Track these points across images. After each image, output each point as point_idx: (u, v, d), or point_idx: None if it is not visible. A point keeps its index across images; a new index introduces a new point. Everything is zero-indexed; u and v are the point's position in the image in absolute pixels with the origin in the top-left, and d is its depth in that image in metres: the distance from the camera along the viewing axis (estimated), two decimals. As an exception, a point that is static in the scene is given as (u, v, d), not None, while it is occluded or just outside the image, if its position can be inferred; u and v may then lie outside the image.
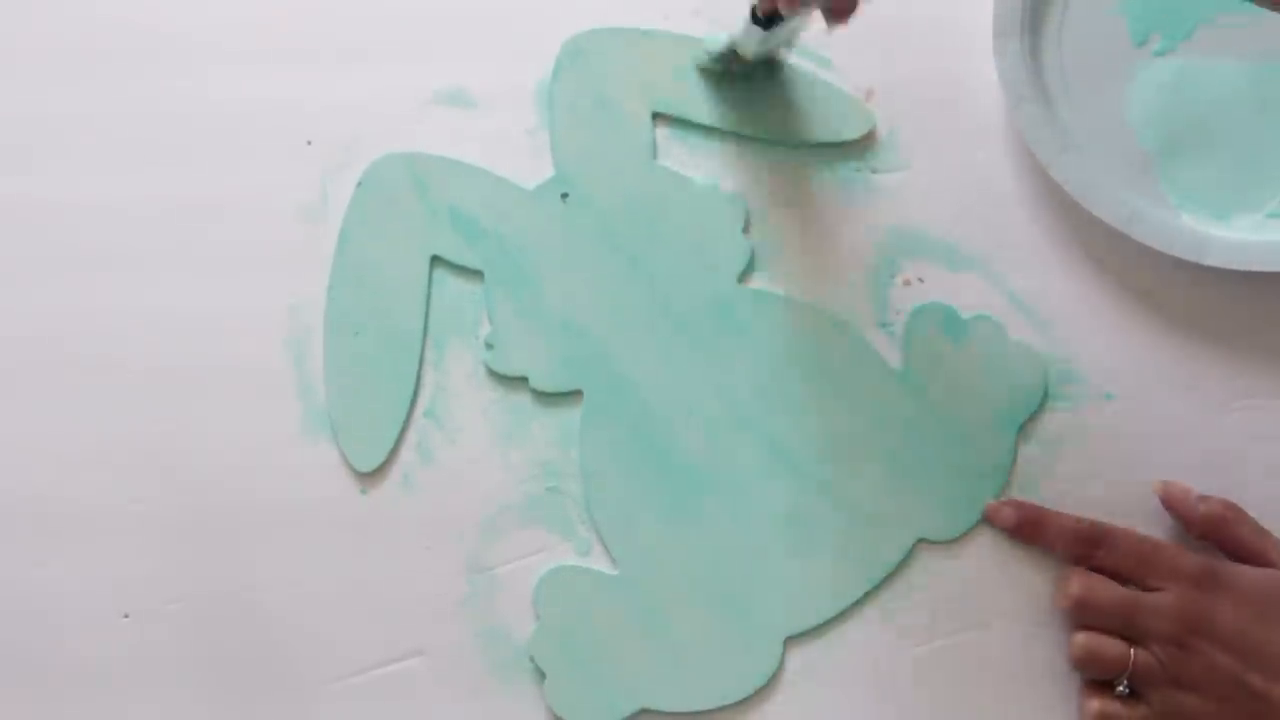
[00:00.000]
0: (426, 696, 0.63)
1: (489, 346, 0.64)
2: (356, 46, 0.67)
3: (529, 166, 0.65)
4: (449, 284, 0.65)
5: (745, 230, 0.64)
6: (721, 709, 0.61)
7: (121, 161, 0.67)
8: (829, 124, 0.64)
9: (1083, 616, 0.59)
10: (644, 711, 0.61)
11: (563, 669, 0.61)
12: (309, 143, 0.66)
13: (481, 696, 0.62)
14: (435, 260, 0.65)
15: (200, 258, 0.66)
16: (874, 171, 0.64)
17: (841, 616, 0.62)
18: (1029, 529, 0.60)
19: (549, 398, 0.64)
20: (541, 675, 0.62)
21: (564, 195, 0.65)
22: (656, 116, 0.65)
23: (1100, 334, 0.62)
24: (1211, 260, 0.60)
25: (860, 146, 0.64)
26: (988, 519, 0.61)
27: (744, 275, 0.64)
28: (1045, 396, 0.62)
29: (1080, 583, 0.59)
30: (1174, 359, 0.62)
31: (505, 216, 0.65)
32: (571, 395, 0.64)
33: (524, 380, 0.64)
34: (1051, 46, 0.63)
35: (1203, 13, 0.63)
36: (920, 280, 0.63)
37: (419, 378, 0.65)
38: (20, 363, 0.66)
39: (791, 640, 0.62)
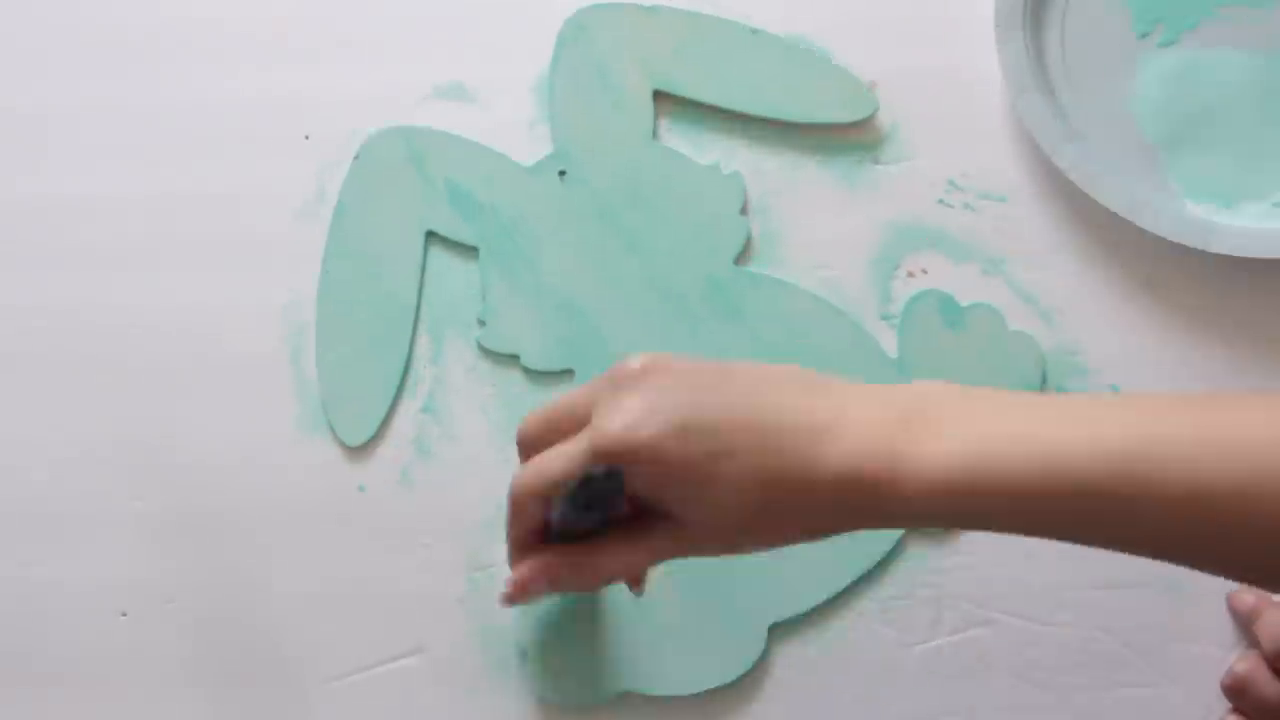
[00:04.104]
0: (426, 694, 0.62)
1: (481, 323, 0.64)
2: (355, 40, 0.67)
3: (529, 159, 0.65)
4: (447, 277, 0.65)
5: (743, 211, 0.64)
6: (705, 694, 0.61)
7: (118, 157, 0.67)
8: (832, 105, 0.64)
9: (1239, 701, 0.58)
10: (627, 694, 0.61)
11: (545, 652, 0.61)
12: (307, 137, 0.66)
13: (481, 694, 0.62)
14: (431, 237, 0.65)
15: (197, 253, 0.66)
16: (876, 162, 0.64)
17: (842, 614, 0.61)
18: (1251, 617, 0.59)
19: (546, 388, 0.63)
20: (524, 655, 0.61)
21: (562, 173, 0.64)
22: (657, 95, 0.65)
23: (1106, 324, 0.62)
24: (1218, 248, 0.60)
25: (863, 137, 0.64)
26: (1230, 604, 0.60)
27: (740, 256, 0.63)
28: (1043, 387, 0.62)
29: (1249, 666, 0.58)
30: (1181, 349, 0.61)
31: (502, 192, 0.65)
32: (566, 380, 0.63)
33: (520, 369, 0.63)
34: (1054, 37, 0.63)
35: (1205, 4, 0.62)
36: (924, 272, 0.63)
37: (410, 353, 0.64)
38: (16, 360, 0.66)
39: (790, 637, 0.61)
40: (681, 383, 0.47)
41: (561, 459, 0.49)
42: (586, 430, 0.48)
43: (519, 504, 0.50)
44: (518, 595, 0.51)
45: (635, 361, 0.48)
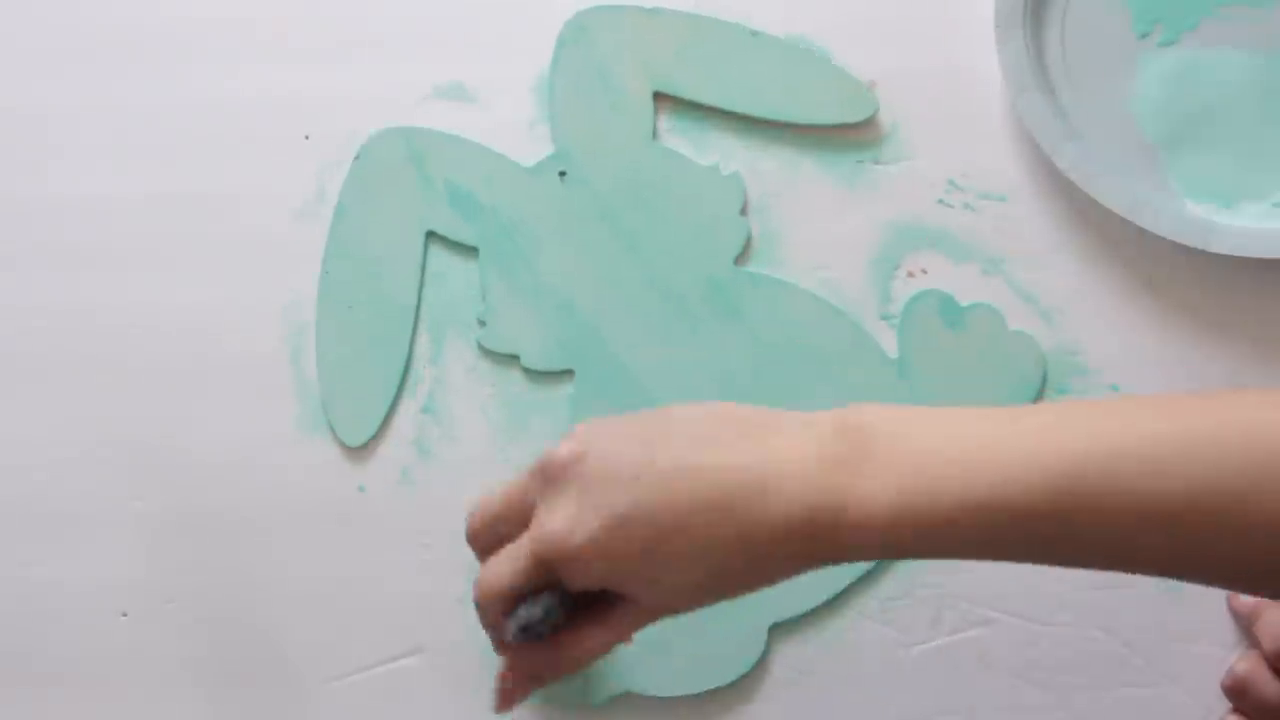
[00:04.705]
0: (425, 694, 0.62)
1: (481, 323, 0.64)
2: (355, 41, 0.67)
3: (529, 160, 0.65)
4: (447, 277, 0.65)
5: (743, 211, 0.64)
6: (705, 694, 0.61)
7: (118, 158, 0.67)
8: (832, 105, 0.64)
9: (1239, 701, 0.58)
10: (627, 694, 0.61)
11: None
12: (307, 137, 0.66)
13: (480, 694, 0.62)
14: (431, 237, 0.65)
15: (197, 253, 0.66)
16: (876, 162, 0.64)
17: (842, 614, 0.61)
18: (1252, 617, 0.59)
19: (546, 388, 0.63)
20: None
21: (562, 173, 0.64)
22: (657, 95, 0.65)
23: (1106, 324, 0.62)
24: (1218, 248, 0.59)
25: (863, 137, 0.64)
26: (1230, 604, 0.60)
27: (740, 257, 0.63)
28: (1042, 386, 0.62)
29: (1249, 666, 0.58)
30: (1180, 349, 0.61)
31: (502, 193, 0.65)
32: (566, 380, 0.63)
33: (520, 369, 0.64)
34: (1054, 37, 0.63)
35: (1205, 4, 0.62)
36: (924, 272, 0.63)
37: (411, 353, 0.64)
38: (17, 360, 0.66)
39: (790, 637, 0.61)
40: (614, 470, 0.47)
41: (509, 566, 0.49)
42: (527, 535, 0.48)
43: (482, 611, 0.50)
44: (505, 706, 0.52)
45: (563, 451, 0.48)
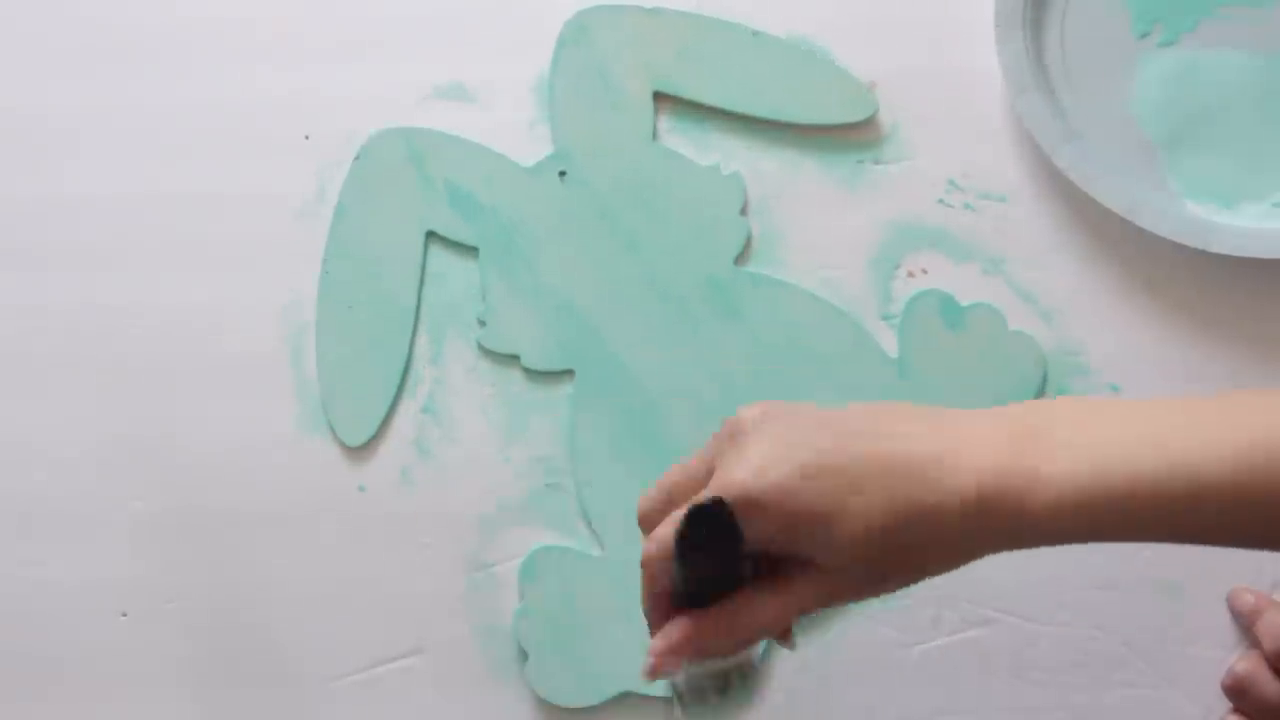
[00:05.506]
0: (426, 694, 0.63)
1: (481, 324, 0.64)
2: (355, 41, 0.67)
3: (528, 160, 0.65)
4: (447, 277, 0.65)
5: (743, 211, 0.64)
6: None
7: (119, 158, 0.67)
8: (832, 106, 0.64)
9: (1239, 701, 0.58)
10: (627, 694, 0.61)
11: (545, 650, 0.61)
12: (307, 137, 0.66)
13: (481, 694, 0.62)
14: (431, 237, 0.65)
15: (197, 253, 0.66)
16: (877, 163, 0.64)
17: (843, 614, 0.61)
18: (1252, 617, 0.59)
19: (546, 388, 0.63)
20: (524, 655, 0.61)
21: (562, 173, 0.64)
22: (658, 95, 0.65)
23: (1105, 324, 0.62)
24: (1217, 248, 0.60)
25: (863, 137, 0.64)
26: (1231, 604, 0.60)
27: (740, 257, 0.64)
28: (1043, 386, 0.62)
29: (1249, 666, 0.58)
30: (1180, 348, 0.62)
31: (502, 193, 0.65)
32: (566, 380, 0.63)
33: (520, 369, 0.64)
34: (1054, 37, 0.63)
35: (1205, 4, 0.62)
36: (924, 271, 0.63)
37: (411, 353, 0.64)
38: (17, 360, 0.66)
39: (792, 636, 0.61)
40: (801, 424, 0.47)
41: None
42: (708, 490, 0.47)
43: (648, 574, 0.48)
44: (661, 665, 0.48)
45: (752, 410, 0.48)
